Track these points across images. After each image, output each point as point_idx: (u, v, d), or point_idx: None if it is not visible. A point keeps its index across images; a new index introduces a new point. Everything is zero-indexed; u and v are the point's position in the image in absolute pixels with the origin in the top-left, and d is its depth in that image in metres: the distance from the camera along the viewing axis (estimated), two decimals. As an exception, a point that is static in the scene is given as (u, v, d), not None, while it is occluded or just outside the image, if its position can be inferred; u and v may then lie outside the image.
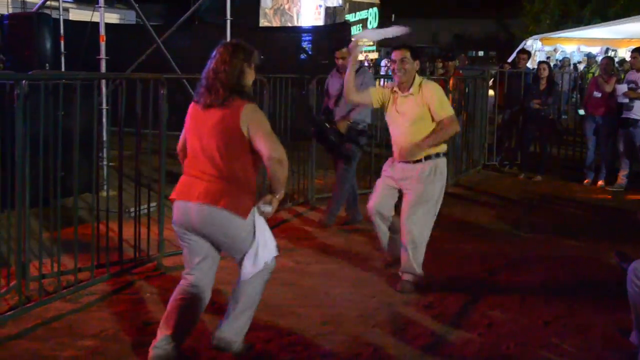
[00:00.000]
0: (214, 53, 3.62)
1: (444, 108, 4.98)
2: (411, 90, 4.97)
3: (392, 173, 5.13)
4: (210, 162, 3.50)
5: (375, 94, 5.25)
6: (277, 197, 3.54)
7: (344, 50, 6.13)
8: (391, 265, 5.41)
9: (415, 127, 4.94)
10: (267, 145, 3.44)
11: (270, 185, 3.55)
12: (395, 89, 5.07)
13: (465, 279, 5.36)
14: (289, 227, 6.90)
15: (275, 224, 6.87)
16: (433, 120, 4.93)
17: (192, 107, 3.65)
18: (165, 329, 3.66)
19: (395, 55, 5.02)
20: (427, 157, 4.96)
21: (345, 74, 5.21)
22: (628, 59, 11.93)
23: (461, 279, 5.34)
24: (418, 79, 5.01)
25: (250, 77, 3.60)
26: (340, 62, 6.61)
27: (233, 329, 3.73)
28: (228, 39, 10.10)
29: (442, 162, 5.06)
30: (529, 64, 12.00)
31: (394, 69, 5.04)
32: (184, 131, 3.73)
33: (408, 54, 4.97)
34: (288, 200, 7.59)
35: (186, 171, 3.66)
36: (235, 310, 3.73)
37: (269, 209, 3.54)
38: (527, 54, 11.65)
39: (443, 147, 5.08)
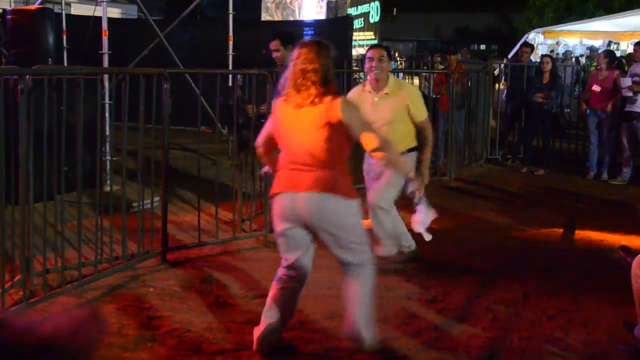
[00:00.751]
0: (295, 54, 3.69)
1: (423, 109, 5.22)
2: (386, 90, 5.10)
3: (373, 175, 5.27)
4: (312, 154, 3.60)
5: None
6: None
7: (276, 41, 5.94)
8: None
9: (390, 127, 4.97)
10: (368, 136, 3.59)
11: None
12: (368, 89, 5.18)
13: (468, 273, 5.36)
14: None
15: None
16: (410, 120, 5.14)
17: (280, 106, 3.73)
18: (268, 317, 3.83)
19: (373, 53, 5.09)
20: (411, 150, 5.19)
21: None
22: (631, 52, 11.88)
23: (465, 273, 5.33)
24: (392, 78, 5.17)
25: (333, 72, 3.70)
26: (274, 54, 6.15)
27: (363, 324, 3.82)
28: (230, 33, 10.13)
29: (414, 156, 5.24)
30: (532, 57, 11.95)
31: (370, 67, 5.09)
32: (267, 128, 3.88)
33: (385, 53, 5.09)
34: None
35: (285, 165, 3.73)
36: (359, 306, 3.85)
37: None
38: (530, 47, 11.61)
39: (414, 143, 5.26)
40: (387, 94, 5.11)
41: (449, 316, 4.51)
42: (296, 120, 3.63)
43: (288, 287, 3.84)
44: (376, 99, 5.13)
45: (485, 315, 4.51)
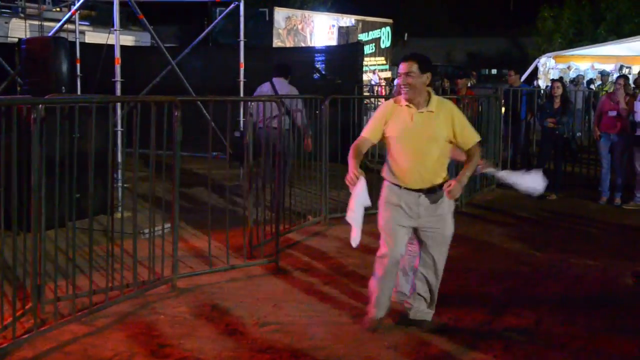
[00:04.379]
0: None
1: (474, 132, 4.57)
2: (430, 107, 4.43)
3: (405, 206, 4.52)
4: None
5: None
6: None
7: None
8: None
9: (432, 146, 4.43)
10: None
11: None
12: (405, 103, 4.46)
13: (480, 299, 5.32)
14: (303, 247, 6.89)
15: (290, 244, 6.88)
16: (451, 142, 4.49)
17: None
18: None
19: (402, 68, 4.44)
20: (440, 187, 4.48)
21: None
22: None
23: (477, 299, 5.30)
24: (434, 96, 4.46)
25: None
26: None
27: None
28: (242, 60, 10.21)
29: None
30: (542, 82, 12.01)
31: (399, 85, 4.53)
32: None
33: (415, 67, 4.37)
34: (302, 220, 7.59)
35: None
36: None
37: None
38: (514, 70, 11.65)
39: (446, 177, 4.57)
40: (430, 111, 4.42)
41: (460, 343, 4.47)
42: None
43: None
44: (417, 114, 4.43)
45: (497, 343, 4.47)
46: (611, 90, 11.06)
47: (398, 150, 4.50)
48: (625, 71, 20.78)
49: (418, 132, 4.42)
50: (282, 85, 8.36)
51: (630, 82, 14.36)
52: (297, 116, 7.97)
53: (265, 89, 8.35)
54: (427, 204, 4.47)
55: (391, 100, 4.60)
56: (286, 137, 7.46)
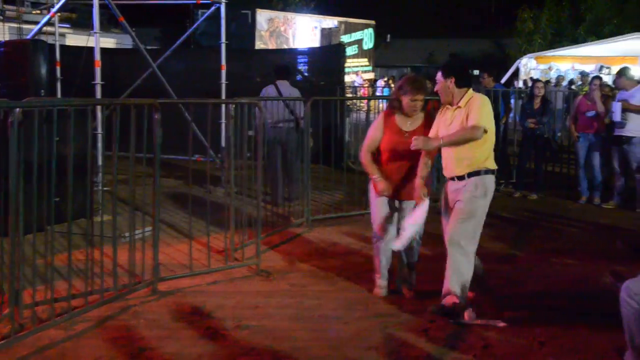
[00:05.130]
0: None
1: (476, 117, 4.81)
2: (460, 103, 4.93)
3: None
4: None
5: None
6: None
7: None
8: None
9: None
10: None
11: None
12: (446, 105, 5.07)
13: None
14: (285, 249, 6.89)
15: (271, 246, 6.88)
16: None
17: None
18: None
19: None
20: (475, 173, 4.89)
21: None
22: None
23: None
24: (469, 92, 4.95)
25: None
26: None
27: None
28: (223, 62, 10.20)
29: (490, 179, 4.99)
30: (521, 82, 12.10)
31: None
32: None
33: (439, 75, 4.99)
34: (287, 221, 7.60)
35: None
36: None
37: None
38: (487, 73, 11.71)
39: (490, 163, 4.97)
40: (459, 107, 4.93)
41: (441, 344, 4.49)
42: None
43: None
44: (450, 112, 5.00)
45: (476, 343, 4.50)
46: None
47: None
48: (604, 72, 20.99)
49: (449, 130, 4.95)
50: (286, 88, 8.95)
51: (610, 82, 14.52)
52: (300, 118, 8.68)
53: (270, 91, 8.88)
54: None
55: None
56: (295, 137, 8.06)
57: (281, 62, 10.57)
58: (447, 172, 5.05)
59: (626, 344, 3.89)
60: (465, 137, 4.81)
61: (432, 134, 5.08)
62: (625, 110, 8.71)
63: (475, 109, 4.84)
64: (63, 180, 4.76)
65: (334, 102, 9.67)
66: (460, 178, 4.93)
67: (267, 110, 8.35)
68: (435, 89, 5.07)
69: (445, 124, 5.00)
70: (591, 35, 31.82)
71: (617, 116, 8.78)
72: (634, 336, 3.76)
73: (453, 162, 4.96)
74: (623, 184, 9.18)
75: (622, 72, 9.15)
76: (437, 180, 8.65)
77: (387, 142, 5.26)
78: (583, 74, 19.71)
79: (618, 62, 20.26)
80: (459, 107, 4.93)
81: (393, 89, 5.43)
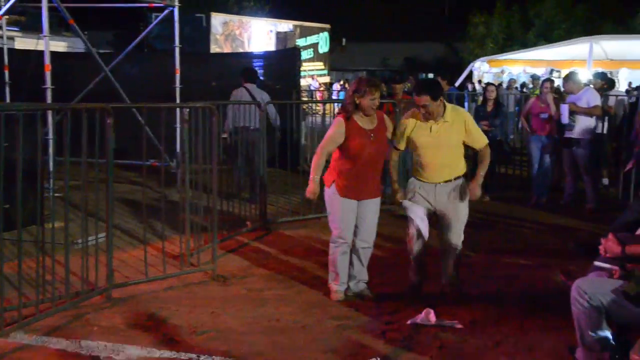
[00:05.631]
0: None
1: (482, 136, 5.41)
2: (446, 117, 5.22)
3: (425, 195, 5.36)
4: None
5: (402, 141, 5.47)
6: None
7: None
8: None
9: (449, 151, 5.26)
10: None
11: None
12: (425, 117, 5.28)
13: (415, 301, 5.36)
14: (241, 253, 6.85)
15: (229, 250, 6.84)
16: (464, 144, 5.33)
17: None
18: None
19: (418, 101, 5.22)
20: (458, 178, 5.36)
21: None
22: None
23: (411, 302, 5.34)
24: (449, 106, 5.29)
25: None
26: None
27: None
28: (177, 65, 10.11)
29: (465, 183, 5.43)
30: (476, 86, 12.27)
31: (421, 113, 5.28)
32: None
33: (429, 100, 5.14)
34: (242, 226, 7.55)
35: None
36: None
37: None
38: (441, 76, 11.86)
39: (463, 170, 5.45)
40: (446, 121, 5.22)
41: (397, 345, 4.52)
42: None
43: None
44: (435, 126, 5.24)
45: (432, 344, 4.54)
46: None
47: (422, 154, 5.36)
48: (555, 75, 21.45)
49: (436, 142, 5.25)
50: (256, 91, 9.25)
51: (561, 85, 14.80)
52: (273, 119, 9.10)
53: (242, 94, 9.17)
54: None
55: (411, 112, 5.40)
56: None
57: (246, 65, 10.68)
58: (433, 178, 5.30)
59: (577, 342, 3.97)
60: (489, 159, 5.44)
61: (405, 143, 5.41)
62: (573, 112, 8.91)
63: (474, 128, 5.33)
64: (12, 186, 4.65)
65: (290, 106, 9.67)
66: (446, 183, 5.28)
67: (239, 114, 8.56)
68: (423, 111, 5.22)
69: (431, 135, 5.24)
70: (541, 39, 32.56)
71: (565, 118, 8.97)
72: (585, 334, 3.84)
73: (438, 168, 5.28)
74: (573, 185, 9.38)
75: (569, 77, 9.36)
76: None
77: (356, 146, 5.24)
78: (534, 77, 20.09)
79: (567, 65, 20.74)
80: (446, 121, 5.23)
81: (347, 92, 5.41)
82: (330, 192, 5.36)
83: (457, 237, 5.43)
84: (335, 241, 5.40)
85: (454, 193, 5.32)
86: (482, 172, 5.38)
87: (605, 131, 9.72)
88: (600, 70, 18.41)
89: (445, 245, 5.45)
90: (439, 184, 5.30)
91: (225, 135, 8.57)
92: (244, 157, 8.71)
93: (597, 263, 3.95)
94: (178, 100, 10.03)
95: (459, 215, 5.38)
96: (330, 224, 5.43)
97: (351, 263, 5.47)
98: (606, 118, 9.77)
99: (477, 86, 22.33)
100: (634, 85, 19.74)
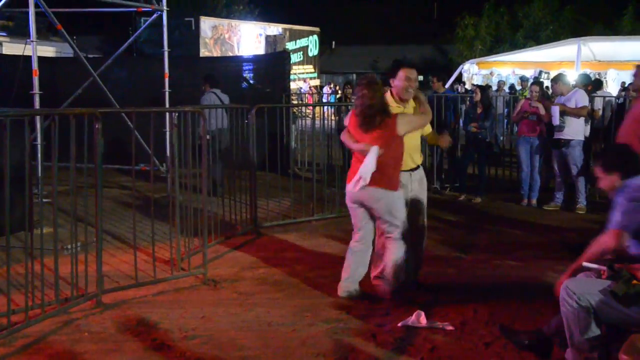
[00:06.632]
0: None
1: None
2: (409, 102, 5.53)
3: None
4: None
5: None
6: None
7: None
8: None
9: (413, 135, 5.50)
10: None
11: None
12: (396, 102, 5.50)
13: (406, 303, 5.37)
14: (232, 257, 6.84)
15: (219, 255, 6.83)
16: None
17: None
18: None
19: (412, 74, 5.41)
20: (420, 166, 5.63)
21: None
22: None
23: (403, 304, 5.35)
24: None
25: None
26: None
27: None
28: (166, 70, 10.09)
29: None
30: (468, 87, 12.30)
31: (405, 87, 5.41)
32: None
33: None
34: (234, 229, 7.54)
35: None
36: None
37: None
38: (436, 77, 11.88)
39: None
40: (411, 106, 5.51)
41: (388, 347, 4.52)
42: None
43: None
44: (404, 110, 5.46)
45: (423, 345, 4.54)
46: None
47: None
48: (544, 76, 21.54)
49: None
50: (222, 95, 9.85)
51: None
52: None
53: (213, 98, 9.78)
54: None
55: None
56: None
57: (209, 71, 10.97)
58: (405, 165, 5.46)
59: (567, 342, 3.98)
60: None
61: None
62: (563, 113, 8.96)
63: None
64: (0, 192, 4.63)
65: (279, 110, 9.68)
66: (414, 170, 5.55)
67: (219, 117, 8.82)
68: (411, 85, 5.44)
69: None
70: (529, 40, 32.72)
71: (555, 120, 9.02)
72: (574, 334, 3.86)
73: (407, 155, 5.44)
74: (562, 185, 9.43)
75: (557, 79, 9.40)
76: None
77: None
78: (523, 79, 20.16)
79: (556, 67, 20.83)
80: (411, 106, 5.57)
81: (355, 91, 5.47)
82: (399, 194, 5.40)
83: (425, 219, 5.71)
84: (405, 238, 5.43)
85: (421, 180, 5.62)
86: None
87: (587, 134, 9.73)
88: (588, 71, 18.53)
89: (419, 229, 5.63)
90: (412, 172, 5.53)
91: (208, 137, 8.64)
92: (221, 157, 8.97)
93: (585, 264, 3.97)
94: (167, 105, 10.01)
95: (425, 199, 5.70)
96: (401, 224, 5.37)
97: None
98: (589, 121, 9.78)
99: (466, 87, 22.41)
100: (627, 86, 19.83)
